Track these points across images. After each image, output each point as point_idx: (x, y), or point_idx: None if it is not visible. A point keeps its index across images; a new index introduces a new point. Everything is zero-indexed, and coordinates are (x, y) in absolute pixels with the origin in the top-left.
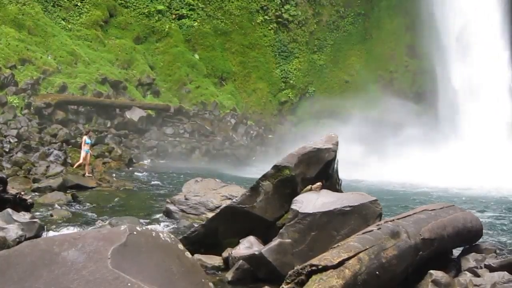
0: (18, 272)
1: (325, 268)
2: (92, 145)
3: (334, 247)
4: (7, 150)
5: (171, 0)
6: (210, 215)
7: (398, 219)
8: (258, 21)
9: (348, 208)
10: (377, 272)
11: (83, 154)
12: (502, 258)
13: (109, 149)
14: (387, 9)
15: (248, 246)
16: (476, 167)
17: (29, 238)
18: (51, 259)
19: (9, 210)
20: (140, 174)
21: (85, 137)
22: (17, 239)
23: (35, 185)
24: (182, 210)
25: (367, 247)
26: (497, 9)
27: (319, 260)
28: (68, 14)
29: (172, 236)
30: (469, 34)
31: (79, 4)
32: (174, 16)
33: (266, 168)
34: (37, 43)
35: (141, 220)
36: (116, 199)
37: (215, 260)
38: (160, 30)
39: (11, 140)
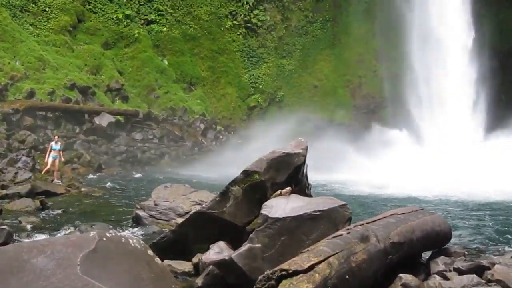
0: None
1: (295, 273)
2: (61, 151)
3: (304, 252)
4: None
5: (139, 5)
6: (180, 220)
7: (367, 223)
8: (227, 26)
9: (317, 213)
10: (347, 277)
11: (50, 160)
12: (471, 261)
13: (78, 155)
14: (355, 15)
15: (218, 251)
16: (443, 172)
17: None
18: (19, 267)
19: None
20: (109, 180)
21: (52, 143)
22: None
23: (3, 192)
24: (152, 216)
25: (337, 251)
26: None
27: (289, 265)
28: (36, 20)
29: (141, 242)
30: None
31: (47, 9)
32: (142, 21)
33: (236, 173)
34: (5, 49)
35: (111, 226)
36: (85, 205)
37: (185, 266)
38: (129, 35)
39: None
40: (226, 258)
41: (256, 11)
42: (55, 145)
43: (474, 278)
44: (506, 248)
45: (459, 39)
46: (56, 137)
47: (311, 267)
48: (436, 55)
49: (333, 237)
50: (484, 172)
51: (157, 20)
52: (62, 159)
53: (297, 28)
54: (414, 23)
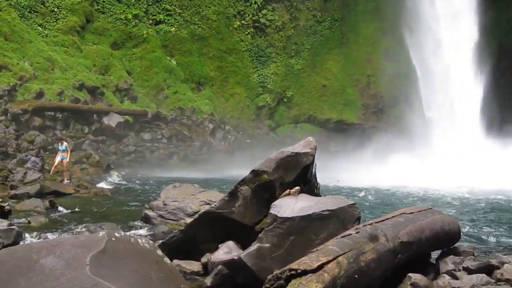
0: None
1: (304, 273)
2: (68, 151)
3: (313, 251)
4: None
5: (148, 5)
6: (189, 220)
7: (376, 222)
8: (235, 26)
9: (326, 212)
10: (356, 276)
11: (57, 159)
12: (480, 261)
13: (86, 155)
14: (363, 14)
15: (227, 251)
16: (452, 171)
17: (7, 246)
18: (29, 267)
19: None
20: (118, 180)
21: (58, 144)
22: None
23: (13, 192)
24: (161, 216)
25: (346, 251)
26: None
27: (298, 264)
28: (44, 20)
29: (150, 242)
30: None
31: (55, 10)
32: (151, 21)
33: (244, 173)
34: (14, 49)
35: (120, 226)
36: (94, 205)
37: (194, 266)
38: (137, 35)
39: None
40: (235, 257)
41: (264, 11)
42: (60, 146)
43: (483, 277)
44: None
45: (467, 37)
46: (61, 138)
47: (320, 267)
48: (444, 53)
49: (342, 237)
50: (493, 172)
51: (166, 20)
52: (67, 159)
53: (305, 27)
54: (421, 22)
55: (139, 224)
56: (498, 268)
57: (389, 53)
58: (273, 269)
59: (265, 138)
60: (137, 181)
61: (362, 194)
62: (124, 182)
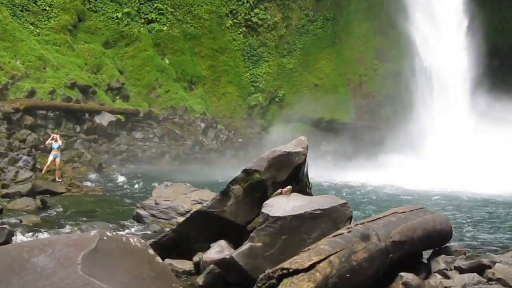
0: None
1: (296, 272)
2: (61, 150)
3: (305, 251)
4: None
5: (140, 4)
6: (181, 219)
7: (368, 222)
8: (227, 25)
9: (318, 212)
10: (347, 275)
11: (50, 158)
12: (472, 260)
13: (78, 154)
14: (355, 13)
15: (219, 250)
16: (443, 171)
17: None
18: (20, 266)
19: None
20: (110, 179)
21: (51, 142)
22: None
23: (4, 191)
24: (152, 215)
25: (338, 250)
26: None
27: (290, 263)
28: (36, 19)
29: (142, 241)
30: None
31: (47, 8)
32: (143, 20)
33: (236, 172)
34: (5, 48)
35: (111, 225)
36: (86, 204)
37: (185, 265)
38: (129, 34)
39: None
40: (227, 257)
41: (256, 10)
42: (54, 144)
43: (475, 276)
44: (507, 247)
45: (459, 36)
46: (55, 135)
47: (312, 266)
48: (435, 54)
49: (334, 236)
50: (483, 171)
51: (158, 19)
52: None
53: (297, 27)
54: (412, 20)
55: (131, 223)
56: (489, 267)
57: (381, 53)
58: (265, 268)
59: (257, 138)
60: (129, 180)
61: (354, 193)
62: (116, 181)
